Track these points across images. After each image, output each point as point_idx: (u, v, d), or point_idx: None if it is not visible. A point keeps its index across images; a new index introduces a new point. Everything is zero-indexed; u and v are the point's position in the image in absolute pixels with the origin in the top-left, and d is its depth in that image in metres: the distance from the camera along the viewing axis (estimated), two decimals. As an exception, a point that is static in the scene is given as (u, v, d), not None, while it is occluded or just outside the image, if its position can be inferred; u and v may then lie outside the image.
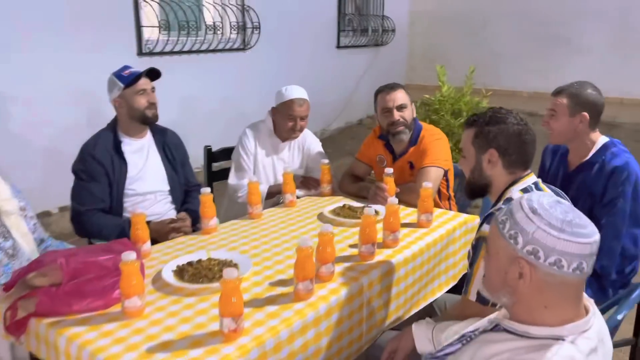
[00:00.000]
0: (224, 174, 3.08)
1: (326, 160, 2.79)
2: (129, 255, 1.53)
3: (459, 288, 2.43)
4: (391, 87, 2.68)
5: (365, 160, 2.88)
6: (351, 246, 2.11)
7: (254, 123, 2.95)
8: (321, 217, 2.44)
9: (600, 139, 2.36)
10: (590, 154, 2.35)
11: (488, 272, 1.24)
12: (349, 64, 7.67)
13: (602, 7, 8.22)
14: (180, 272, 1.82)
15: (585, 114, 2.31)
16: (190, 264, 1.87)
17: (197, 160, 3.08)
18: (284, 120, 2.78)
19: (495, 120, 1.71)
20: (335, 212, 2.45)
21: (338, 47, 7.47)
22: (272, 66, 6.25)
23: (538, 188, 1.73)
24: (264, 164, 2.89)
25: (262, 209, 2.48)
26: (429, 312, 2.19)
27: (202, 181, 3.13)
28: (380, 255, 2.02)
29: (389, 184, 2.52)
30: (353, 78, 7.79)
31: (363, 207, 2.42)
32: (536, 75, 8.63)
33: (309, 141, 2.98)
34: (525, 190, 1.69)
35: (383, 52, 8.38)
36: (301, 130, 2.81)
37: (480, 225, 1.69)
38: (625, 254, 2.28)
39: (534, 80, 8.61)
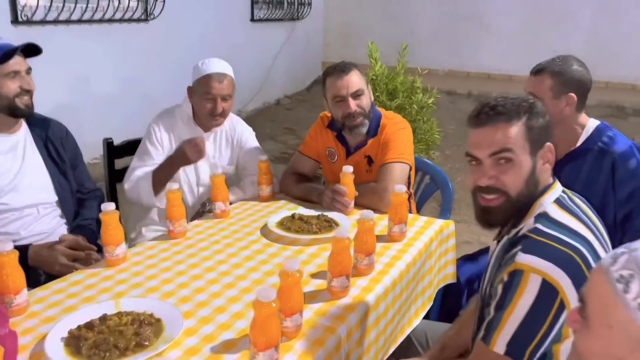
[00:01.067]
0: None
1: (264, 156, 2.24)
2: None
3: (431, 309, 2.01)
4: (343, 69, 2.14)
5: (311, 155, 2.35)
6: (313, 276, 1.60)
7: (168, 109, 2.32)
8: (266, 232, 1.90)
9: (590, 122, 2.00)
10: (581, 141, 1.98)
11: (587, 353, 0.79)
12: (265, 39, 7.04)
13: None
14: (74, 341, 1.22)
15: (572, 94, 1.94)
16: (89, 326, 1.27)
17: (91, 155, 2.39)
18: (202, 102, 2.19)
19: (537, 105, 1.30)
20: (283, 225, 1.92)
21: (252, 20, 6.80)
22: (180, 40, 5.49)
23: (571, 199, 1.31)
24: (184, 162, 2.28)
25: (187, 224, 1.90)
26: (405, 351, 1.75)
27: (102, 184, 2.45)
28: (354, 287, 1.53)
29: (349, 186, 2.02)
30: (269, 54, 7.18)
31: (318, 217, 1.91)
32: (450, 54, 8.51)
33: (240, 131, 2.40)
34: (559, 202, 1.28)
35: (300, 27, 7.82)
36: (224, 114, 2.23)
37: (509, 250, 1.23)
38: None
39: (448, 59, 8.47)
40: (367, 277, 1.59)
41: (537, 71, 1.97)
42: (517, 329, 1.14)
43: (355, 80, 2.13)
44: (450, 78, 8.46)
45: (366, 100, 2.16)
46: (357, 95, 2.13)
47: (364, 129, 2.17)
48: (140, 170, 2.16)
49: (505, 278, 1.17)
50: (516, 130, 1.25)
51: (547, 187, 1.30)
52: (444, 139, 5.15)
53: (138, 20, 5.04)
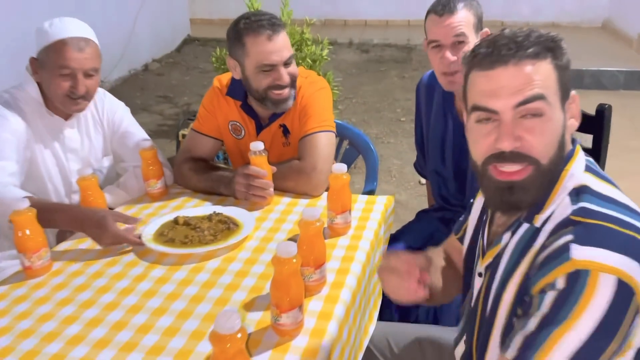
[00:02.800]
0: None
1: (148, 141, 1.70)
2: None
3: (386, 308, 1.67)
4: (272, 27, 1.62)
5: (210, 133, 1.83)
6: (246, 306, 1.16)
7: (6, 94, 1.65)
8: (139, 249, 1.39)
9: None
10: None
11: None
12: (120, -4, 6.12)
13: None
14: None
15: (485, 31, 1.64)
16: None
17: None
18: (54, 79, 1.58)
19: (562, 40, 0.93)
20: (164, 235, 1.41)
21: (102, -27, 5.84)
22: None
23: (594, 165, 0.99)
24: (45, 163, 1.67)
25: (48, 255, 1.33)
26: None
27: None
28: (309, 315, 1.12)
29: (265, 167, 1.57)
30: (128, 13, 6.26)
31: (209, 217, 1.47)
32: (325, 2, 8.14)
33: (111, 109, 1.82)
34: (591, 170, 0.95)
35: (159, -21, 6.93)
36: (88, 96, 1.64)
37: (548, 244, 0.87)
38: None
39: (324, 8, 8.08)
40: (321, 296, 1.18)
41: (452, 9, 1.56)
42: (580, 349, 0.80)
43: (287, 43, 1.65)
44: (328, 27, 8.12)
45: (294, 65, 1.70)
46: (289, 62, 1.66)
47: (291, 102, 1.71)
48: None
49: (562, 284, 0.81)
50: (548, 70, 0.90)
51: (572, 153, 0.96)
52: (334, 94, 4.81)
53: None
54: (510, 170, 0.91)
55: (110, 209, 1.63)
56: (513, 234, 0.97)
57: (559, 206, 0.91)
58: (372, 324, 1.48)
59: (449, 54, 1.57)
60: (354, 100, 5.35)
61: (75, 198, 1.70)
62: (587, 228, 0.84)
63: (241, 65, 1.69)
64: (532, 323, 0.83)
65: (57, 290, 1.23)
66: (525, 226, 0.95)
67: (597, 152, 1.73)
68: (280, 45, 1.62)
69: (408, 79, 5.97)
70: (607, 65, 5.46)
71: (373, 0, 8.29)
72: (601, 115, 1.69)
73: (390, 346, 1.44)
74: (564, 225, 0.87)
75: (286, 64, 1.65)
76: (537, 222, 0.93)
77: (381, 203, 1.63)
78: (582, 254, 0.80)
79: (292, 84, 1.69)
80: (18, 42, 3.75)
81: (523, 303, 0.89)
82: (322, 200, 1.62)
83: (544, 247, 0.88)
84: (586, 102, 1.52)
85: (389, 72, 6.26)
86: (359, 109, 5.11)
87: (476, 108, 0.93)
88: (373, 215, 1.55)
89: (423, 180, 3.21)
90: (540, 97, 0.89)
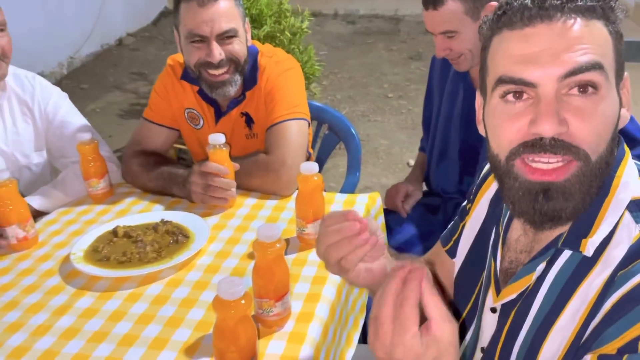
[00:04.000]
0: None
1: (87, 134, 1.44)
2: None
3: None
4: None
5: (163, 122, 1.57)
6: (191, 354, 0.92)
7: None
8: (66, 270, 1.14)
9: None
10: None
11: None
12: (90, -36, 5.72)
13: None
14: None
15: (492, 3, 1.41)
16: None
17: None
18: None
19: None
20: (97, 251, 1.16)
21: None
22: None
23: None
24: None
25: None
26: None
27: None
28: (276, 346, 0.89)
29: (226, 164, 1.33)
30: (99, -16, 5.89)
31: (154, 226, 1.23)
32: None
33: (43, 97, 1.54)
34: None
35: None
36: (3, 55, 1.38)
37: (613, 281, 0.63)
38: None
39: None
40: (284, 333, 0.95)
41: (435, 3, 1.40)
42: None
43: (226, 10, 1.37)
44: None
45: (241, 46, 1.42)
46: (226, 37, 1.39)
47: (232, 89, 1.45)
48: None
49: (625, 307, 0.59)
50: (603, 33, 0.66)
51: (622, 154, 0.72)
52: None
53: None
54: (548, 167, 0.66)
55: (45, 214, 1.38)
56: (550, 263, 0.73)
57: (619, 225, 0.67)
58: (350, 348, 1.25)
59: (440, 44, 1.46)
60: (339, 75, 5.08)
61: None
62: None
63: (178, 35, 1.44)
64: None
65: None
66: (567, 254, 0.71)
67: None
68: (214, 14, 1.35)
69: (396, 51, 5.71)
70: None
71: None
72: None
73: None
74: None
75: (222, 38, 1.39)
76: (586, 249, 0.69)
77: (362, 203, 1.39)
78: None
79: (234, 66, 1.42)
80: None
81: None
82: (292, 201, 1.38)
83: (609, 285, 0.65)
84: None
85: (376, 44, 5.98)
86: (344, 85, 4.85)
87: (504, 81, 0.68)
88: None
89: (412, 162, 3.02)
90: (597, 66, 0.64)
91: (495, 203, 0.89)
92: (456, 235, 0.99)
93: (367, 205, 1.40)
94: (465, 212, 0.98)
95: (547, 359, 0.72)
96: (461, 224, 0.99)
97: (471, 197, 0.97)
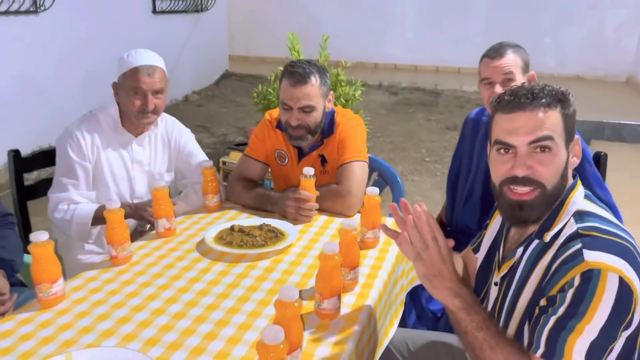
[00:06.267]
0: (43, 187, 2.08)
1: (209, 162, 2.00)
2: None
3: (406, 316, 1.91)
4: (301, 76, 1.92)
5: (259, 158, 2.14)
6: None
7: (90, 113, 2.00)
8: (202, 248, 1.67)
9: None
10: None
11: None
12: (168, 32, 6.60)
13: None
14: None
15: (533, 73, 1.94)
16: None
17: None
18: (129, 99, 1.91)
19: (569, 93, 1.19)
20: (222, 238, 1.69)
21: (154, 12, 6.35)
22: (76, 34, 4.96)
23: (591, 195, 1.24)
24: (113, 174, 1.98)
25: (131, 248, 1.62)
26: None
27: (9, 205, 2.08)
28: (344, 306, 1.37)
29: (311, 191, 1.85)
30: (173, 48, 6.75)
31: (260, 227, 1.73)
32: (357, 45, 8.54)
33: (178, 133, 2.13)
34: (590, 198, 1.21)
35: (204, 19, 7.44)
36: (156, 111, 1.95)
37: (559, 254, 1.10)
38: None
39: (355, 50, 8.47)
40: (354, 293, 1.44)
41: (501, 53, 1.89)
42: (597, 338, 1.01)
43: (309, 93, 1.93)
44: (359, 70, 8.50)
45: (315, 116, 1.97)
46: (305, 110, 1.95)
47: (303, 142, 2.02)
48: (73, 193, 1.88)
49: (577, 281, 1.03)
50: (556, 117, 1.15)
51: (574, 184, 1.21)
52: (365, 131, 5.10)
53: (27, 12, 4.46)
54: (522, 191, 1.15)
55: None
56: (525, 248, 1.21)
57: (566, 226, 1.14)
58: (392, 328, 1.71)
59: (498, 89, 1.87)
60: (381, 139, 5.63)
61: (136, 201, 2.01)
62: (593, 238, 1.08)
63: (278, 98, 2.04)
64: (554, 318, 1.04)
65: (141, 274, 1.52)
66: (536, 242, 1.19)
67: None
68: (299, 93, 1.93)
69: (434, 121, 6.23)
70: (628, 119, 5.65)
71: (403, 45, 8.71)
72: (597, 161, 1.95)
73: (408, 347, 1.67)
74: (573, 237, 1.10)
75: (301, 111, 1.94)
76: (546, 238, 1.16)
77: (406, 225, 1.88)
78: (593, 257, 1.03)
79: (306, 130, 1.97)
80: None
81: (536, 307, 1.11)
82: (355, 220, 1.88)
83: (555, 257, 1.11)
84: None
85: (416, 114, 6.53)
86: (385, 147, 5.37)
87: (498, 142, 1.18)
88: (398, 234, 1.80)
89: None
90: (549, 138, 1.13)
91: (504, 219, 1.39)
92: (480, 239, 1.48)
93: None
94: (485, 226, 1.47)
95: (521, 306, 1.19)
96: (483, 233, 1.48)
97: (489, 215, 1.46)
